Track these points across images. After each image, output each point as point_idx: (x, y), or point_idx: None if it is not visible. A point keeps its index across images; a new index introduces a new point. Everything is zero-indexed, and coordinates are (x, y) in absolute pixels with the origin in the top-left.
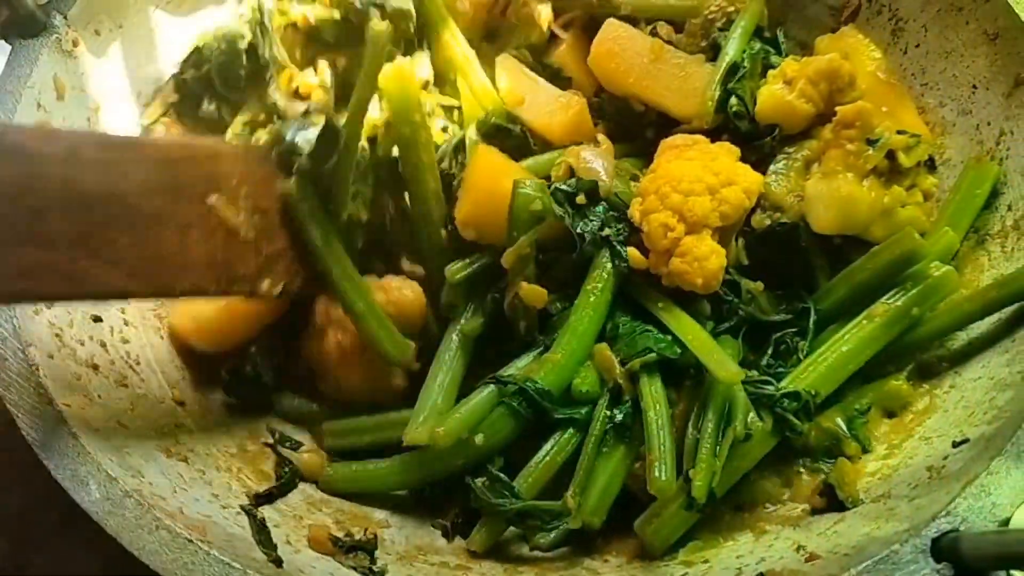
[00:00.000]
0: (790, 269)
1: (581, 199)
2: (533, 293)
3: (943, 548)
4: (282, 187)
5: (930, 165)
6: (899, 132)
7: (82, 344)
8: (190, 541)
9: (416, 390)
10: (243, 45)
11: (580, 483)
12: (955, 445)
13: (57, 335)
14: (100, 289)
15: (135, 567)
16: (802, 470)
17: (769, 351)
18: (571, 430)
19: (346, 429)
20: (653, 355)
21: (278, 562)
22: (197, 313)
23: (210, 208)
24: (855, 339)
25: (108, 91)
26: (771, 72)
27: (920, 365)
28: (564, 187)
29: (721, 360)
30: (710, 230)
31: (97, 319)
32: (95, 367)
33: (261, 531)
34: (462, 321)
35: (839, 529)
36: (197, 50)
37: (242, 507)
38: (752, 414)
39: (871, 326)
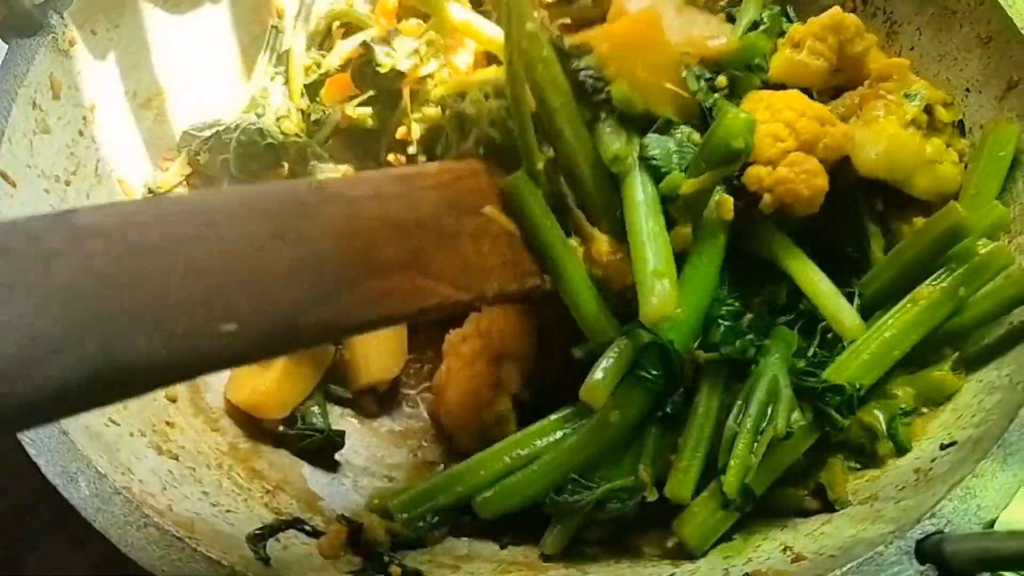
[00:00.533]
0: (842, 236)
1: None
2: (683, 237)
3: (927, 550)
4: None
5: (960, 129)
6: None
7: None
8: (178, 538)
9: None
10: (263, 141)
11: (650, 455)
12: (943, 448)
13: None
14: (436, 302)
15: (126, 567)
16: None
17: (816, 340)
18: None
19: (417, 497)
20: (716, 355)
21: (266, 560)
22: (256, 384)
23: (487, 217)
24: (899, 324)
25: (104, 91)
26: (780, 40)
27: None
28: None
29: (847, 311)
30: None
31: None
32: None
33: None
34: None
35: (826, 531)
36: (217, 135)
37: (255, 534)
38: (796, 412)
39: (916, 309)
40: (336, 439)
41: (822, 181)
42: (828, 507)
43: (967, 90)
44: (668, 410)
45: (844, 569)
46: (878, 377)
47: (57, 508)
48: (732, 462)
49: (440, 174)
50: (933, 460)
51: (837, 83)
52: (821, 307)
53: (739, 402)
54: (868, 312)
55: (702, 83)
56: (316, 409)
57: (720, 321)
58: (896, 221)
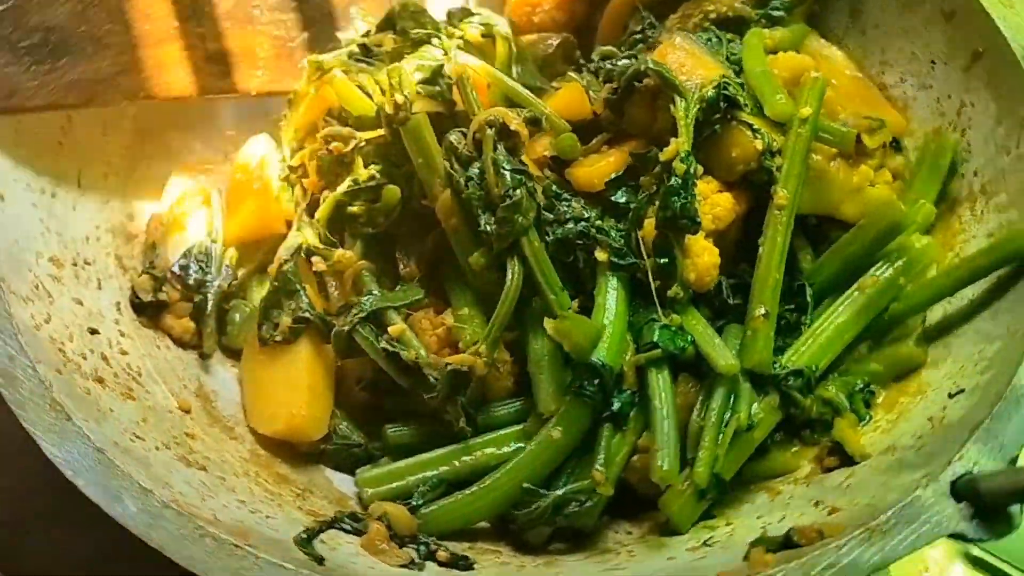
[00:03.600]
0: None
1: None
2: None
3: (960, 489)
4: None
5: (896, 147)
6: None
7: (84, 358)
8: (237, 547)
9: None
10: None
11: (603, 453)
12: (951, 396)
13: (60, 350)
14: None
15: (126, 551)
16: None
17: None
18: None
19: (382, 476)
20: (659, 351)
21: (320, 560)
22: (290, 410)
23: None
24: (848, 311)
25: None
26: None
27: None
28: None
29: (721, 351)
30: (703, 232)
31: (94, 331)
32: (100, 380)
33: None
34: None
35: (851, 483)
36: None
37: (302, 537)
38: (756, 404)
39: (862, 297)
40: (375, 451)
41: (708, 259)
42: (847, 462)
43: (933, 62)
44: (616, 408)
45: (888, 514)
46: (832, 359)
47: (56, 492)
48: (701, 454)
49: None
50: (944, 408)
51: None
52: (700, 346)
53: (700, 398)
54: (817, 300)
55: None
56: (345, 424)
57: (652, 323)
58: (835, 230)
